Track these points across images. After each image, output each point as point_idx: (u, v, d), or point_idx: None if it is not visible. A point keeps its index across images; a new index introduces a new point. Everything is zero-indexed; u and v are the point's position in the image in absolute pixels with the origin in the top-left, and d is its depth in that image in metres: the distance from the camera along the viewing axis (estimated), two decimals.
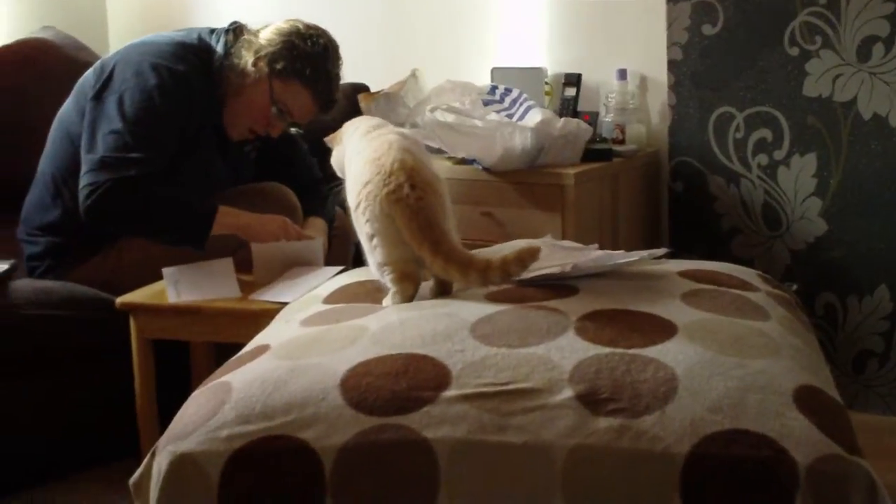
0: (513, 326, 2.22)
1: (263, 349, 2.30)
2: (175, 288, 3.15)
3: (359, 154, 2.62)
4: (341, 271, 3.03)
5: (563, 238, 3.71)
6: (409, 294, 2.46)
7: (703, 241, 3.99)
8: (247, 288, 3.18)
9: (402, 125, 3.90)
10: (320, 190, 3.69)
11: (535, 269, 2.49)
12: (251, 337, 2.63)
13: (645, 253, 2.58)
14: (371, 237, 2.47)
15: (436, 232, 2.40)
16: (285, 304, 2.86)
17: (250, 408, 2.05)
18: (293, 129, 3.54)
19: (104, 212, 3.25)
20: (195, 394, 2.20)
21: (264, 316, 2.88)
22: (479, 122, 3.76)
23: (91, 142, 3.31)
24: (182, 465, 2.03)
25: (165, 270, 3.21)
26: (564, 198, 3.74)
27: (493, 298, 2.38)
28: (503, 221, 3.85)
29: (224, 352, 2.66)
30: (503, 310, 2.31)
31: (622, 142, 4.01)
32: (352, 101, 4.16)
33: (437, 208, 2.44)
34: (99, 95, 3.37)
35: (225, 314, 3.06)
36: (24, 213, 3.59)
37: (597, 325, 2.22)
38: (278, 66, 3.40)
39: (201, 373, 3.35)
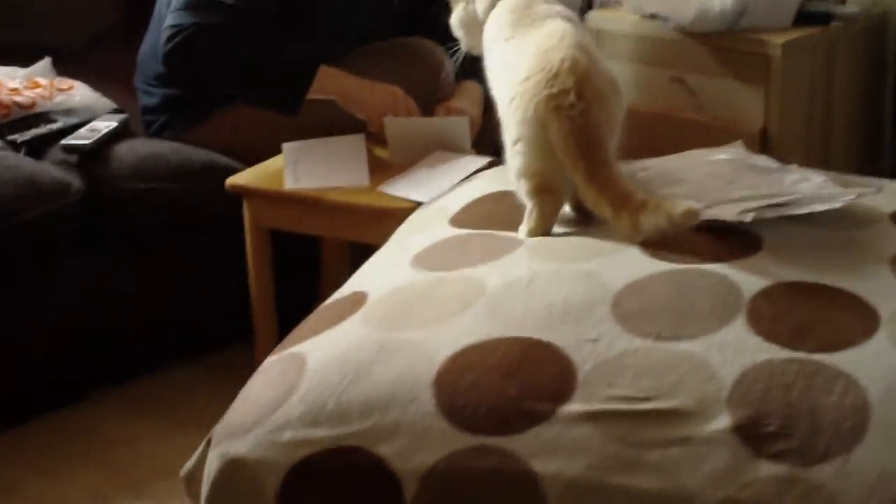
0: (668, 302, 1.80)
1: (358, 302, 1.93)
2: (294, 169, 2.78)
3: (511, 36, 2.23)
4: (489, 164, 2.63)
5: (766, 117, 3.26)
6: (548, 211, 2.08)
7: None
8: (379, 171, 2.79)
9: None
10: None
11: (711, 204, 2.04)
12: (375, 237, 2.37)
13: (851, 194, 2.09)
14: (516, 141, 2.09)
15: (596, 154, 2.01)
16: (415, 203, 2.53)
17: (321, 403, 1.70)
18: None
19: (184, 60, 2.91)
20: (264, 367, 1.86)
21: (390, 216, 2.53)
22: None
23: None
24: (234, 472, 1.70)
25: (286, 146, 2.84)
26: (769, 70, 3.25)
27: (651, 248, 1.94)
28: (695, 90, 3.39)
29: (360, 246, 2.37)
30: (660, 272, 1.88)
31: (842, 2, 3.45)
32: None
33: (604, 126, 2.05)
34: None
35: (346, 209, 2.69)
36: (140, 58, 3.24)
37: (776, 308, 1.79)
38: None
39: (331, 270, 3.03)
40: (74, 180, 2.87)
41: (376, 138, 2.90)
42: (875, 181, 2.30)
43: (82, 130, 2.99)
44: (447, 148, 2.80)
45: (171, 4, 2.94)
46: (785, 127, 3.25)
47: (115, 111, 3.17)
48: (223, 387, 2.97)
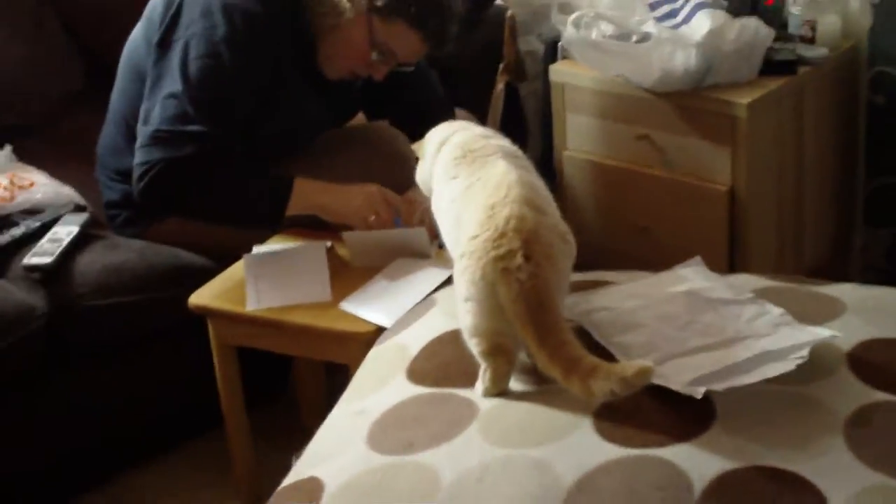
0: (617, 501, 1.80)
1: (315, 495, 1.94)
2: (255, 286, 2.79)
3: (455, 176, 2.23)
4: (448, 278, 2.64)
5: (734, 177, 3.26)
6: (502, 372, 2.09)
7: None
8: (341, 276, 2.81)
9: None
10: (447, 115, 3.23)
11: (665, 359, 2.06)
12: (339, 357, 2.57)
13: (805, 347, 2.08)
14: (466, 300, 2.08)
15: (546, 317, 1.99)
16: (377, 326, 2.58)
17: None
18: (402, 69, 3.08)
19: (159, 196, 2.92)
20: None
21: (352, 340, 2.59)
22: (633, 38, 3.24)
23: (150, 105, 2.94)
24: None
25: (246, 260, 2.84)
26: (735, 130, 3.23)
27: (602, 422, 1.96)
28: (663, 148, 3.38)
29: None
30: (610, 462, 1.89)
31: (811, 40, 3.41)
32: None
33: (553, 285, 2.03)
34: (164, 40, 2.95)
35: (308, 332, 2.70)
36: (100, 151, 3.24)
37: None
38: (378, 2, 2.92)
39: (305, 377, 3.09)
40: (38, 301, 2.88)
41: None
42: (837, 292, 2.31)
43: (44, 243, 2.98)
44: (409, 255, 2.81)
45: (137, 136, 2.94)
46: (753, 186, 3.25)
47: (77, 208, 3.16)
48: (200, 481, 3.05)
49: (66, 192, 3.22)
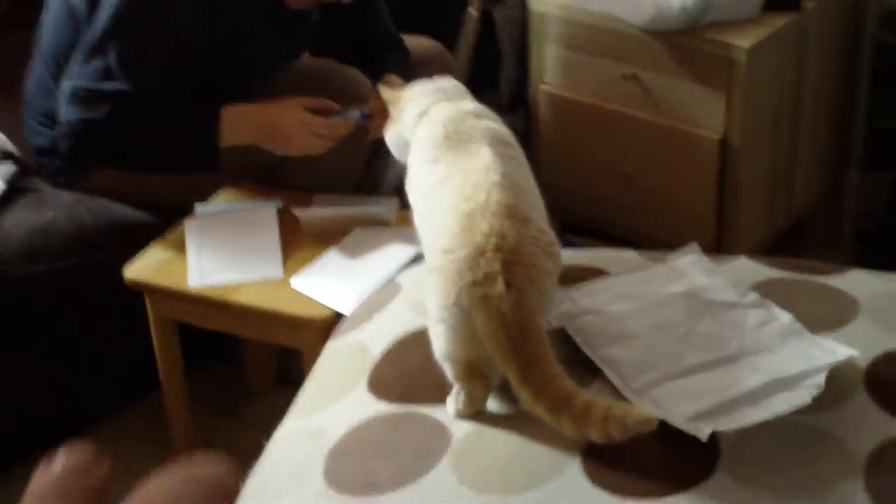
0: None
1: None
2: (198, 259, 2.57)
3: (435, 160, 2.01)
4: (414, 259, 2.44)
5: (727, 125, 3.07)
6: (477, 397, 1.91)
7: None
8: (293, 244, 2.61)
9: None
10: (401, 51, 3.02)
11: (660, 380, 1.90)
12: (290, 342, 2.46)
13: (821, 371, 1.89)
14: (438, 323, 1.88)
15: (530, 350, 1.80)
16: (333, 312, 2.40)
17: None
18: None
19: (84, 156, 2.79)
20: None
21: (306, 327, 2.43)
22: None
23: (76, 52, 2.75)
24: None
25: (188, 227, 2.65)
26: (732, 76, 3.04)
27: (593, 464, 1.78)
28: (651, 89, 3.18)
29: None
30: None
31: None
32: None
33: (537, 310, 1.83)
34: None
35: (257, 315, 2.49)
36: (27, 92, 2.99)
37: None
38: None
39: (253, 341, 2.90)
40: None
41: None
42: (848, 285, 2.13)
43: None
44: (369, 223, 2.61)
45: (59, 86, 2.76)
46: (748, 134, 3.07)
47: (5, 155, 2.94)
48: (139, 449, 2.88)
49: None
